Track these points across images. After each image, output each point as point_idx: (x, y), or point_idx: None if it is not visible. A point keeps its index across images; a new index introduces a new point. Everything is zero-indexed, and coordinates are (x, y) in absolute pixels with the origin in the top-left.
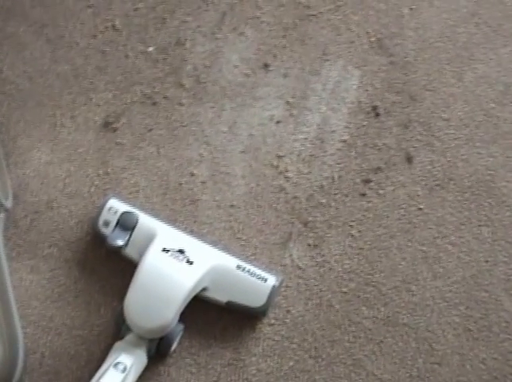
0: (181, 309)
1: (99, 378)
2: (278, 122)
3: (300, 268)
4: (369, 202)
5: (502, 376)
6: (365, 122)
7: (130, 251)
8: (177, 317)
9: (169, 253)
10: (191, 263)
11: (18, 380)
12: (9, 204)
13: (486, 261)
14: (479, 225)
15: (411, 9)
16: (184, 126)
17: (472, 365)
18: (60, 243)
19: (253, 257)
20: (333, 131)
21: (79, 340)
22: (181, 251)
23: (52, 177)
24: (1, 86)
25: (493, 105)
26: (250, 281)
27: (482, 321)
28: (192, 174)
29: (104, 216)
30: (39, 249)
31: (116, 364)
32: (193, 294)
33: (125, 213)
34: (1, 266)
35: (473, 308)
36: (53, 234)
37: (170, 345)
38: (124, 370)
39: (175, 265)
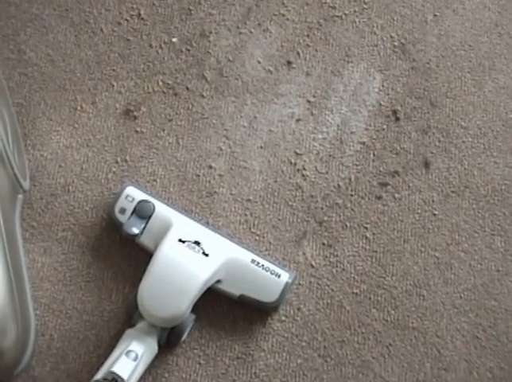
0: (195, 300)
1: (111, 365)
2: (298, 120)
3: (313, 267)
4: (384, 205)
5: None
6: (384, 126)
7: (145, 240)
8: (190, 308)
9: (185, 244)
10: (206, 254)
11: (28, 360)
12: (26, 185)
13: (498, 270)
14: (492, 234)
15: (435, 15)
16: (204, 119)
17: (479, 373)
18: (74, 227)
19: (266, 253)
20: (352, 133)
21: (89, 325)
22: (197, 243)
23: (69, 161)
24: (24, 67)
25: None
26: (264, 276)
27: (490, 329)
28: (210, 167)
29: (121, 203)
30: (53, 232)
31: (128, 352)
32: (207, 286)
33: (142, 202)
34: (17, 247)
35: (482, 316)
36: (68, 218)
37: (181, 335)
38: (136, 358)
39: (191, 256)
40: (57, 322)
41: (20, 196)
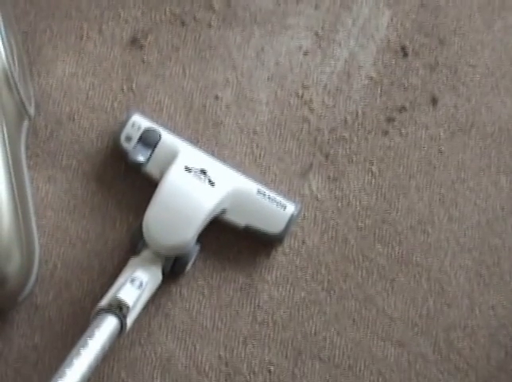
0: (200, 229)
1: (116, 292)
2: (306, 52)
3: (318, 200)
4: (391, 140)
5: (510, 324)
6: (392, 61)
7: (151, 168)
8: (196, 237)
9: (192, 172)
10: (212, 183)
11: (31, 288)
12: (32, 111)
13: (503, 209)
14: (498, 173)
15: None
16: (211, 49)
17: (481, 310)
18: (79, 155)
19: (272, 184)
20: (360, 67)
21: (93, 253)
22: (203, 172)
23: (75, 89)
24: None
25: None
26: (270, 207)
27: (494, 267)
28: (217, 97)
29: (127, 130)
30: (57, 160)
31: (133, 280)
32: (213, 215)
33: (148, 130)
34: (22, 174)
35: (486, 254)
36: (73, 146)
37: (185, 265)
38: (140, 286)
39: (197, 185)
40: (61, 250)
41: (25, 122)
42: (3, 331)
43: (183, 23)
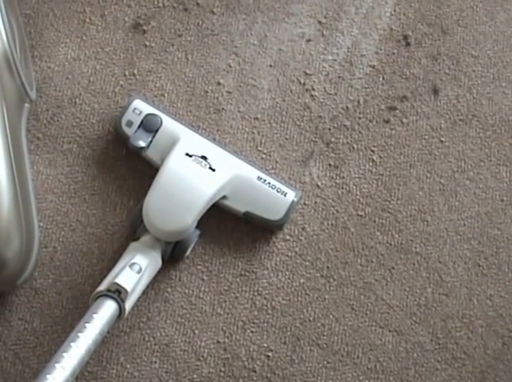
0: (200, 214)
1: (115, 277)
2: (309, 40)
3: (318, 187)
4: (392, 129)
5: (507, 314)
6: (395, 50)
7: (151, 154)
8: (195, 223)
9: (192, 158)
10: (213, 169)
11: (30, 272)
12: (33, 95)
13: (502, 200)
14: (498, 164)
15: None
16: (214, 35)
17: (479, 300)
18: (80, 139)
19: (273, 171)
20: (363, 56)
21: (93, 238)
22: (204, 158)
23: (77, 73)
24: None
25: None
26: (270, 193)
27: (492, 258)
28: (219, 83)
29: (128, 115)
30: (58, 144)
31: (132, 265)
32: (213, 202)
33: (149, 115)
34: (22, 157)
35: (485, 244)
36: (74, 130)
37: (185, 250)
38: (139, 271)
39: (197, 170)
40: (61, 234)
41: (26, 105)
42: (2, 315)
43: (186, 9)
